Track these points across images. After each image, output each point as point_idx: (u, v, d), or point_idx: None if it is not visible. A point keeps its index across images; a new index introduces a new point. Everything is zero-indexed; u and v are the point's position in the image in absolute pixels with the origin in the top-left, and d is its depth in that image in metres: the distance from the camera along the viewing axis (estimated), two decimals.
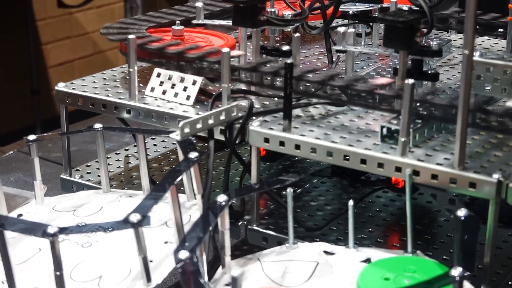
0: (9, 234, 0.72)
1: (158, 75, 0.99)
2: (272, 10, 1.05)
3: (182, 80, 0.98)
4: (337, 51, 1.00)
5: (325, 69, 1.07)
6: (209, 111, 0.89)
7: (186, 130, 0.86)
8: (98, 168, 1.07)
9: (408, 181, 0.80)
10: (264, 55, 1.01)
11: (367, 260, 0.82)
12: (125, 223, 0.72)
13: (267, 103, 0.97)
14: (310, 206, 1.01)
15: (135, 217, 0.71)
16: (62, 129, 1.05)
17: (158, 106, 0.96)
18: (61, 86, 1.03)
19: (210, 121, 0.89)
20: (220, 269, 0.80)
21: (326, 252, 0.83)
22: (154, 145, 1.19)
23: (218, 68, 0.94)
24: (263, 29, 1.06)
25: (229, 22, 1.06)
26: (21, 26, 2.77)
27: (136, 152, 1.03)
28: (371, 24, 1.15)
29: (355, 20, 1.15)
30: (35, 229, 0.71)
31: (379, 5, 1.17)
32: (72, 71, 2.95)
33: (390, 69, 1.09)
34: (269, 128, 0.89)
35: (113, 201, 0.95)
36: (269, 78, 0.97)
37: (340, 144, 0.85)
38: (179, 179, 0.79)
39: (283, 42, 1.20)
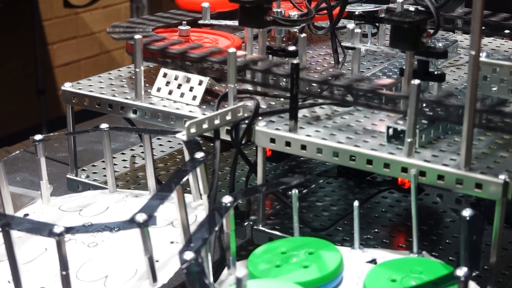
0: (15, 234, 0.73)
1: (164, 75, 1.00)
2: (279, 10, 1.05)
3: (188, 80, 0.98)
4: (346, 47, 1.00)
5: (331, 69, 1.07)
6: (215, 111, 0.90)
7: (192, 130, 0.86)
8: (104, 168, 1.07)
9: (413, 181, 0.80)
10: (270, 56, 1.01)
11: (373, 261, 0.82)
12: (131, 223, 0.72)
13: (273, 103, 0.97)
14: (316, 207, 1.01)
15: (141, 217, 0.71)
16: (68, 129, 1.05)
17: (164, 106, 0.96)
18: (67, 86, 1.03)
19: (216, 121, 0.89)
20: (226, 270, 0.80)
21: None
22: (160, 145, 1.19)
23: (224, 68, 0.94)
24: (269, 30, 1.06)
25: (235, 23, 1.06)
26: (27, 26, 2.78)
27: (142, 152, 1.03)
28: (377, 24, 1.14)
29: (361, 21, 1.14)
30: (41, 228, 0.71)
31: (385, 6, 1.17)
32: (78, 71, 2.95)
33: (396, 70, 1.09)
34: (275, 128, 0.89)
35: (119, 201, 0.95)
36: (275, 78, 0.97)
37: (346, 144, 0.85)
38: (185, 179, 0.79)
39: (289, 42, 1.20)
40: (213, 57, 0.96)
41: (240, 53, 0.98)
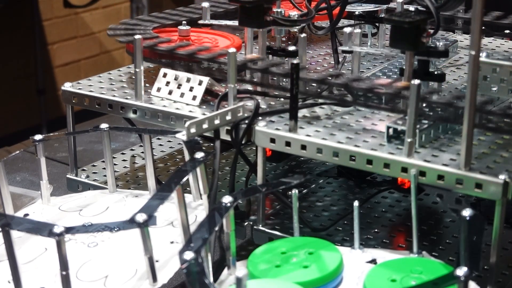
0: (15, 234, 0.72)
1: (164, 75, 1.00)
2: (279, 10, 1.05)
3: (188, 80, 0.98)
4: (343, 51, 1.00)
5: (330, 69, 1.07)
6: (215, 111, 0.89)
7: (192, 130, 0.86)
8: (104, 168, 1.07)
9: (413, 181, 0.80)
10: (270, 56, 1.01)
11: (373, 261, 0.82)
12: (131, 223, 0.72)
13: (273, 103, 0.97)
14: (316, 207, 1.01)
15: (141, 217, 0.71)
16: (68, 129, 1.05)
17: (164, 106, 0.96)
18: (67, 86, 1.03)
19: (216, 121, 0.89)
20: (226, 270, 0.80)
21: None
22: (160, 145, 1.19)
23: (224, 68, 0.94)
24: (269, 30, 1.06)
25: (235, 23, 1.06)
26: (27, 26, 2.78)
27: (142, 152, 1.03)
28: (377, 24, 1.15)
29: (361, 21, 1.15)
30: (41, 228, 0.71)
31: (385, 6, 1.17)
32: (78, 71, 2.95)
33: (396, 70, 1.09)
34: (275, 128, 0.89)
35: (119, 201, 0.95)
36: (275, 78, 0.97)
37: (346, 144, 0.85)
38: (185, 179, 0.79)
39: (289, 42, 1.20)
40: (217, 58, 0.96)
41: (250, 55, 0.98)
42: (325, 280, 0.76)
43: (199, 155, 0.82)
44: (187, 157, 0.85)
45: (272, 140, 0.88)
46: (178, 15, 1.16)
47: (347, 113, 0.94)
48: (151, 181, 0.95)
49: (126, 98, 0.99)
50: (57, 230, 0.69)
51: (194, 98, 0.97)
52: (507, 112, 0.81)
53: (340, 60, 1.09)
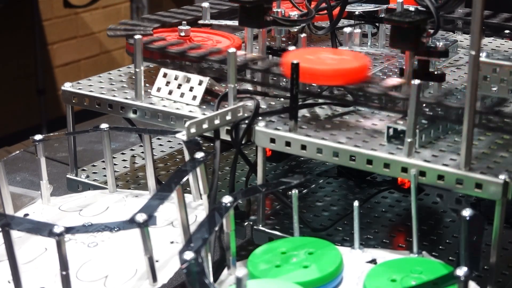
0: (15, 234, 0.72)
1: (164, 75, 1.00)
2: (279, 10, 1.05)
3: (188, 80, 0.98)
4: None
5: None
6: (215, 111, 0.90)
7: (192, 130, 0.86)
8: (104, 168, 1.07)
9: (413, 181, 0.80)
10: (270, 56, 1.01)
11: (373, 261, 0.82)
12: (131, 223, 0.72)
13: (273, 103, 0.97)
14: (316, 207, 1.01)
15: (141, 217, 0.71)
16: (68, 129, 1.05)
17: (164, 106, 0.96)
18: (67, 86, 1.03)
19: (216, 121, 0.89)
20: (226, 270, 0.80)
21: None
22: (160, 145, 1.19)
23: (224, 68, 0.94)
24: (269, 30, 1.07)
25: (235, 22, 1.06)
26: (27, 26, 2.78)
27: (142, 152, 1.03)
28: (377, 24, 1.15)
29: (361, 21, 1.15)
30: (41, 228, 0.71)
31: (385, 6, 1.17)
32: (78, 71, 2.95)
33: (396, 70, 1.09)
34: (275, 128, 0.89)
35: (119, 201, 0.95)
36: (275, 78, 0.97)
37: (346, 144, 0.85)
38: (185, 179, 0.79)
39: (289, 42, 1.20)
40: (213, 56, 0.96)
41: (238, 53, 0.98)
42: (325, 280, 0.76)
43: (199, 155, 0.82)
44: (187, 157, 0.85)
45: (272, 140, 0.88)
46: (169, 17, 1.16)
47: (347, 113, 0.94)
48: (151, 181, 0.95)
49: (126, 98, 0.99)
50: (57, 230, 0.69)
51: (194, 98, 0.97)
52: (508, 112, 0.81)
53: None
